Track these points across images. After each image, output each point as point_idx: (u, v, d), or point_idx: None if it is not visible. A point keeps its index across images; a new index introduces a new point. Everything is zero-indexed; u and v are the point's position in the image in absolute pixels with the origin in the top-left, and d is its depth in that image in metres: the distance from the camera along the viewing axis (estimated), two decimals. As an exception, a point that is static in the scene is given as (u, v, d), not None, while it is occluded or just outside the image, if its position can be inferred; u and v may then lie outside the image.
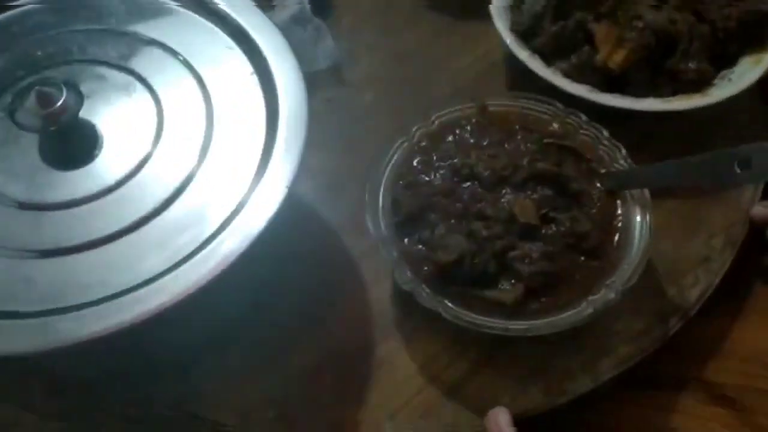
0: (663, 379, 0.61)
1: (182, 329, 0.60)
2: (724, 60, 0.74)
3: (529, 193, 0.64)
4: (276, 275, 0.69)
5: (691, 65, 0.70)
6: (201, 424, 0.62)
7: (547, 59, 0.74)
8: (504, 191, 0.65)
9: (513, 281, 0.62)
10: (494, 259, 0.61)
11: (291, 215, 0.62)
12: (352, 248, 0.71)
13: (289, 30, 0.79)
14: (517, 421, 0.57)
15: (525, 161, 0.66)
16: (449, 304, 0.60)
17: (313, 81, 0.79)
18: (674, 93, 0.72)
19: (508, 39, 0.75)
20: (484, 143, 0.69)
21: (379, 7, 0.91)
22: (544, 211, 0.63)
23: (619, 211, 0.65)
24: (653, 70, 0.72)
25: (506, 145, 0.68)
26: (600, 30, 0.72)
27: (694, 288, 0.68)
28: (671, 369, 0.65)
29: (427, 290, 0.61)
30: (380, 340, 0.67)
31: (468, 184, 0.66)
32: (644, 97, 0.72)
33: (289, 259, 0.70)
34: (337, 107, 0.82)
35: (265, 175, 0.54)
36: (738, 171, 0.52)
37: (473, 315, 0.60)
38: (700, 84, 0.71)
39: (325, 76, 0.84)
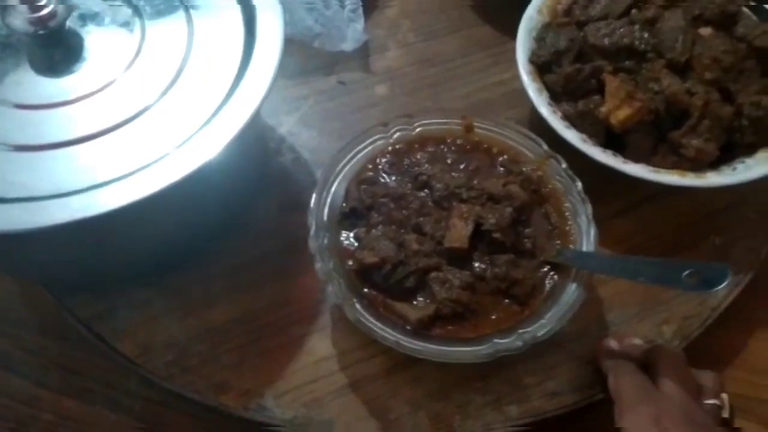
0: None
1: (127, 251, 0.66)
2: (742, 147, 0.71)
3: (473, 220, 0.63)
4: (223, 235, 0.72)
5: (694, 142, 0.68)
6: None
7: (556, 97, 0.73)
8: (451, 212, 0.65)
9: (428, 301, 0.62)
10: (415, 274, 0.62)
11: (263, 181, 0.65)
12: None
13: (327, 2, 0.82)
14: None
15: (485, 187, 0.66)
16: (357, 305, 0.61)
17: (334, 59, 0.83)
18: (673, 165, 0.69)
19: (523, 68, 0.74)
20: (460, 165, 0.69)
21: (428, 7, 0.92)
22: (486, 253, 0.64)
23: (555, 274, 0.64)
24: (658, 136, 0.70)
25: (477, 174, 0.69)
26: (612, 82, 0.70)
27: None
28: None
29: (342, 285, 0.62)
30: (304, 320, 0.69)
31: (422, 194, 0.67)
32: (639, 161, 0.70)
33: (242, 224, 0.73)
34: (347, 91, 0.84)
35: (234, 96, 0.58)
36: (685, 281, 0.55)
37: (373, 321, 0.60)
38: (700, 164, 0.69)
39: (347, 59, 0.86)
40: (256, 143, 0.76)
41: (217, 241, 0.72)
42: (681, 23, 0.71)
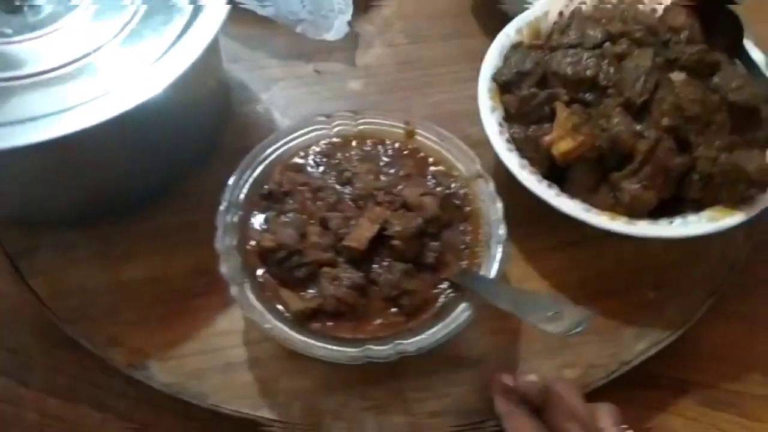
0: (664, 382, 0.63)
1: (68, 189, 0.70)
2: (690, 202, 0.68)
3: (379, 224, 0.63)
4: (163, 193, 0.75)
5: (632, 187, 0.65)
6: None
7: (510, 119, 0.72)
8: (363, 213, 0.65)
9: (316, 294, 0.62)
10: (308, 266, 0.62)
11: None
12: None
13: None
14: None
15: (403, 194, 0.65)
16: (245, 285, 0.61)
17: (316, 47, 0.84)
18: (611, 208, 0.67)
19: (483, 84, 0.73)
20: (391, 169, 0.69)
21: (427, 12, 0.91)
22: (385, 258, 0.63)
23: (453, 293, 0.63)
24: (600, 175, 0.68)
25: (404, 181, 0.68)
26: (562, 112, 0.69)
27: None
28: (672, 372, 0.68)
29: (238, 263, 0.62)
30: (214, 293, 0.68)
31: (343, 190, 0.67)
32: (577, 197, 0.67)
33: (184, 189, 0.75)
34: (321, 81, 0.85)
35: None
36: (548, 320, 0.54)
37: (256, 304, 0.61)
38: (637, 210, 0.66)
39: (330, 49, 0.86)
40: (211, 98, 0.78)
41: (156, 199, 0.73)
42: (647, 64, 0.68)
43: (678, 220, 0.66)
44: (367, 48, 0.87)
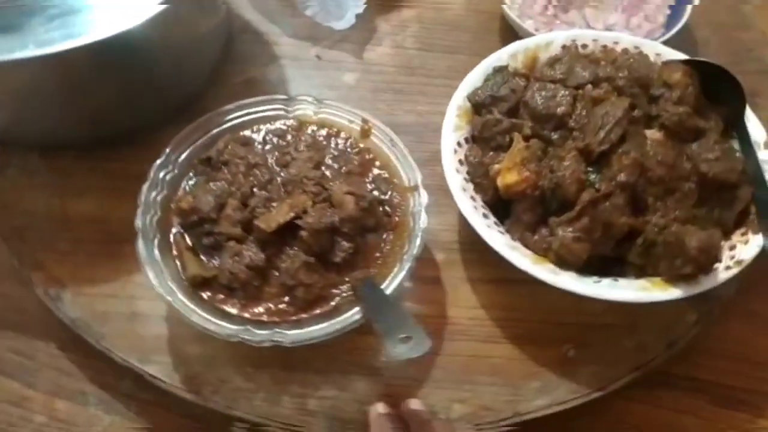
0: (676, 380, 0.63)
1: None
2: (628, 265, 0.64)
3: (295, 212, 0.63)
4: (136, 141, 0.76)
5: (564, 234, 0.63)
6: None
7: (473, 140, 0.70)
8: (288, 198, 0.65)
9: (216, 265, 0.63)
10: (215, 236, 0.63)
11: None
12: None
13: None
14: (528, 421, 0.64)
15: (331, 188, 0.65)
16: (155, 242, 0.63)
17: (326, 33, 0.85)
18: (545, 252, 0.65)
19: (455, 101, 0.71)
20: (335, 164, 0.69)
21: (448, 22, 0.90)
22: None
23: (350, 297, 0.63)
24: (541, 216, 0.65)
25: (343, 177, 0.68)
26: (517, 144, 0.66)
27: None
28: (685, 370, 0.67)
29: (155, 218, 0.64)
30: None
31: (278, 172, 0.67)
32: (515, 233, 0.65)
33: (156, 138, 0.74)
34: (318, 66, 0.86)
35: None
36: (396, 341, 0.55)
37: (158, 261, 0.62)
38: (564, 259, 0.63)
39: (340, 37, 0.87)
40: (209, 47, 0.81)
41: (130, 144, 0.75)
42: (618, 113, 0.65)
43: (606, 281, 0.63)
44: (375, 45, 0.87)
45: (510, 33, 0.85)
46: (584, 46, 0.76)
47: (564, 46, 0.75)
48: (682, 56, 0.74)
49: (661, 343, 0.68)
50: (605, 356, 0.67)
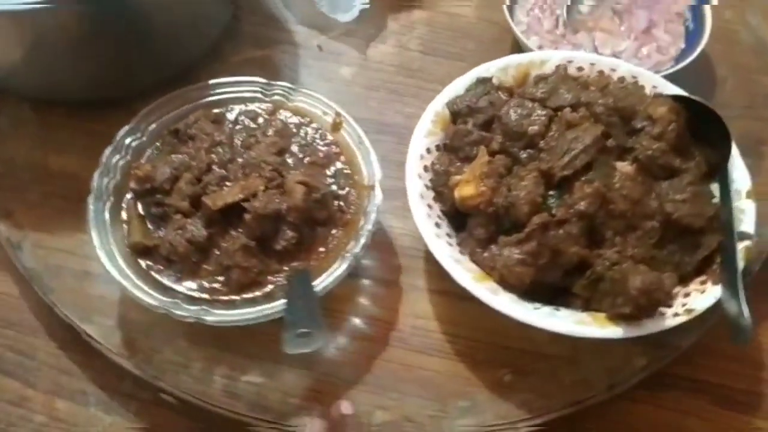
0: (678, 381, 0.63)
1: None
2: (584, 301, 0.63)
3: (244, 195, 0.63)
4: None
5: (512, 256, 0.61)
6: None
7: (445, 148, 0.69)
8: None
9: (159, 236, 0.64)
10: (163, 206, 0.64)
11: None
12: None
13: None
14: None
15: (286, 176, 0.65)
16: (107, 204, 0.64)
17: (330, 24, 0.85)
18: (491, 267, 0.63)
19: (433, 107, 0.71)
20: (300, 154, 0.69)
21: (457, 28, 0.89)
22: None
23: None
24: (494, 234, 0.64)
25: (306, 167, 0.69)
26: (481, 157, 0.65)
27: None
28: (686, 371, 0.67)
29: (113, 180, 0.66)
30: None
31: (242, 152, 0.68)
32: (466, 247, 0.65)
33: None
34: (317, 57, 0.86)
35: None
36: (295, 335, 0.55)
37: (106, 223, 0.64)
38: (506, 280, 0.62)
39: (346, 30, 0.88)
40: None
41: (119, 112, 0.75)
42: (587, 141, 0.63)
43: (546, 310, 0.61)
44: (379, 42, 0.87)
45: (518, 47, 0.84)
46: (580, 68, 0.74)
47: (558, 66, 0.72)
48: (679, 91, 0.71)
49: (603, 383, 0.65)
50: (542, 387, 0.65)
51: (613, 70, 0.74)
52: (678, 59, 0.80)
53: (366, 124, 0.78)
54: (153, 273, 0.62)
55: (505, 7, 0.82)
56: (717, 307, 0.60)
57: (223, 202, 0.62)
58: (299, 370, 0.65)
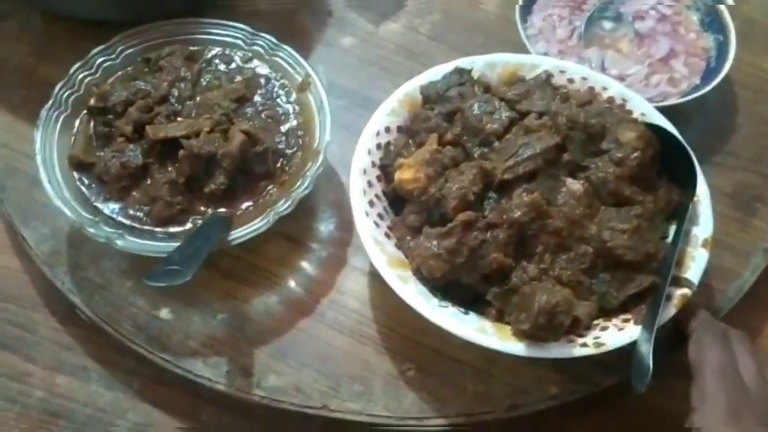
0: (689, 370, 0.59)
1: None
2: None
3: (188, 132, 0.64)
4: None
5: (429, 246, 0.60)
6: None
7: (405, 129, 0.69)
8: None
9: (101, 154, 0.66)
10: (111, 128, 0.67)
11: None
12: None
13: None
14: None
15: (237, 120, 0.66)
16: (61, 116, 0.68)
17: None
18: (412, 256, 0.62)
19: (405, 88, 0.70)
20: (260, 106, 0.70)
21: (470, 19, 0.88)
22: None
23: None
24: (423, 223, 0.63)
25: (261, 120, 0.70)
26: (430, 145, 0.64)
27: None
28: None
29: (73, 97, 0.68)
30: None
31: (201, 91, 0.69)
32: (393, 230, 0.64)
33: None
34: (325, 23, 0.86)
35: None
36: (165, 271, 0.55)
37: (55, 132, 0.66)
38: (420, 269, 0.61)
39: (364, 2, 0.88)
40: None
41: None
42: (537, 149, 0.61)
43: (452, 310, 0.60)
44: (391, 20, 0.87)
45: (526, 50, 0.81)
46: (570, 80, 0.71)
47: (542, 73, 0.70)
48: (665, 123, 0.68)
49: (505, 402, 0.63)
50: (441, 390, 0.64)
51: (605, 89, 0.71)
52: (686, 94, 0.76)
53: (351, 95, 0.79)
54: (83, 188, 0.64)
55: (518, 6, 0.79)
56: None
57: (164, 135, 0.63)
58: (205, 315, 0.66)
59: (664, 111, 0.70)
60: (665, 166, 0.65)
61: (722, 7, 0.80)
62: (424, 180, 0.62)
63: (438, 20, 0.87)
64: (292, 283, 0.69)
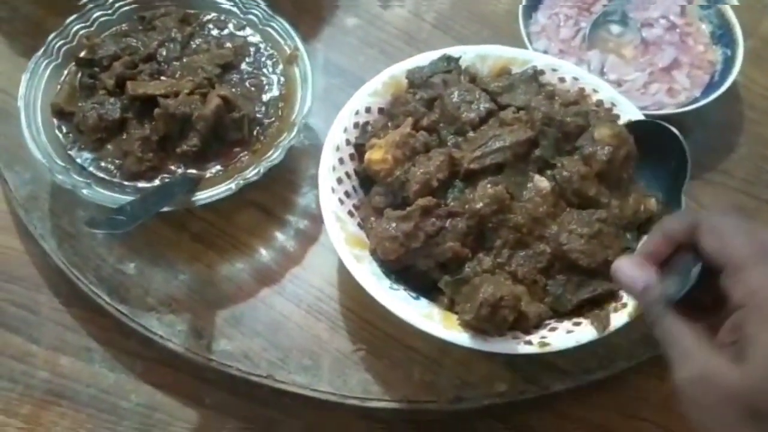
0: None
1: None
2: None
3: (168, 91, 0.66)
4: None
5: (385, 226, 0.60)
6: None
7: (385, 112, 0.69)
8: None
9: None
10: (95, 80, 0.68)
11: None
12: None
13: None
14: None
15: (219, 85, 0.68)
16: (51, 63, 0.69)
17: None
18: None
19: (390, 71, 0.70)
20: (245, 75, 0.71)
21: (479, 13, 0.88)
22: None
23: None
24: (388, 205, 0.63)
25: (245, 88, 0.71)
26: (405, 127, 0.64)
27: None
28: None
29: (65, 48, 0.70)
30: None
31: (188, 54, 0.71)
32: (359, 209, 0.64)
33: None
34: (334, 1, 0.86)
35: None
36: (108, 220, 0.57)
37: (36, 76, 0.68)
38: (377, 253, 0.61)
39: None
40: None
41: None
42: (506, 142, 0.61)
43: (403, 293, 0.59)
44: (398, 4, 0.87)
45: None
46: (562, 79, 0.71)
47: (531, 68, 0.69)
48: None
49: (451, 393, 0.63)
50: (388, 374, 0.64)
51: (595, 91, 0.70)
52: (683, 106, 0.74)
53: (346, 75, 0.80)
54: (60, 135, 0.65)
55: (521, 4, 0.79)
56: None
57: (143, 91, 0.65)
58: (169, 277, 0.67)
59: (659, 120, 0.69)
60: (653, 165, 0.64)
61: (734, 20, 0.78)
62: (391, 162, 0.62)
63: (445, 9, 0.87)
64: (258, 253, 0.69)
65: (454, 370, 0.64)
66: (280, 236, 0.70)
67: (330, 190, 0.63)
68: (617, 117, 0.68)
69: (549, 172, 0.62)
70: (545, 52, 0.78)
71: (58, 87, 0.68)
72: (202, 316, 0.66)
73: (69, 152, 0.65)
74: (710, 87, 0.77)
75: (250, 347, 0.65)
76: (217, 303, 0.66)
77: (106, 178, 0.65)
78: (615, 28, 0.81)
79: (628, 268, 0.50)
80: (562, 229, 0.59)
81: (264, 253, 0.69)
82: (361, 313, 0.66)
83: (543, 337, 0.57)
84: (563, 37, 0.80)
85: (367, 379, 0.64)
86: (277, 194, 0.72)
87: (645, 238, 0.61)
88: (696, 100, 0.75)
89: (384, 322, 0.65)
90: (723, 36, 0.79)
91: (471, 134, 0.64)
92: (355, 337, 0.66)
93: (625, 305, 0.58)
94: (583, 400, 0.65)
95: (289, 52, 0.71)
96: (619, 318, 0.58)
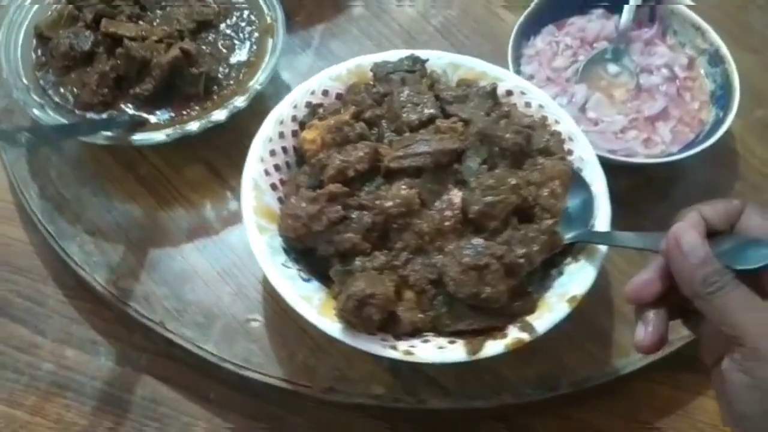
0: (698, 364, 0.59)
1: None
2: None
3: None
4: None
5: (294, 203, 0.61)
6: None
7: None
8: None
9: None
10: (80, 14, 0.71)
11: None
12: None
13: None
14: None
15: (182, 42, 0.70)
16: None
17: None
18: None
19: (357, 61, 0.71)
20: (219, 41, 0.73)
21: (476, 15, 0.88)
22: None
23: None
24: (309, 186, 0.64)
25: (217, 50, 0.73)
26: (345, 114, 0.65)
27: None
28: None
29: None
30: None
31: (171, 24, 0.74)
32: (284, 184, 0.65)
33: None
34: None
35: None
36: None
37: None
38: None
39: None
40: None
41: None
42: (430, 149, 0.61)
43: (292, 272, 0.60)
44: (409, 5, 0.87)
45: (525, 70, 0.80)
46: (527, 104, 0.70)
47: (490, 85, 0.69)
48: (599, 174, 0.65)
49: (327, 383, 0.65)
50: (273, 350, 0.66)
51: (557, 122, 0.69)
52: (654, 158, 0.72)
53: (335, 61, 0.78)
54: (33, 56, 0.69)
55: (517, 26, 0.78)
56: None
57: (114, 30, 0.68)
58: (102, 210, 0.71)
59: (627, 166, 0.69)
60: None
61: (736, 83, 0.75)
62: (319, 143, 0.63)
63: (453, 17, 0.87)
64: (193, 209, 0.72)
65: (337, 361, 0.64)
66: (219, 197, 0.72)
67: (258, 159, 0.64)
68: (569, 152, 0.67)
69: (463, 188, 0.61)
70: (531, 76, 0.77)
71: (48, 14, 0.72)
72: (119, 253, 0.68)
73: (36, 72, 0.68)
74: (690, 145, 0.74)
75: (153, 292, 0.67)
76: (139, 245, 0.69)
77: (61, 103, 0.68)
78: (612, 68, 0.79)
79: (692, 235, 0.46)
80: (447, 252, 0.58)
81: (197, 210, 0.71)
82: (266, 287, 0.67)
83: (412, 346, 0.57)
84: (556, 66, 0.79)
85: (252, 350, 0.65)
86: (232, 159, 0.73)
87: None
88: (670, 155, 0.73)
89: (285, 301, 0.66)
90: (721, 98, 0.76)
91: (407, 134, 0.64)
92: (253, 308, 0.67)
93: (505, 336, 0.57)
94: (586, 404, 0.66)
95: (269, 20, 0.72)
96: (494, 346, 0.57)
